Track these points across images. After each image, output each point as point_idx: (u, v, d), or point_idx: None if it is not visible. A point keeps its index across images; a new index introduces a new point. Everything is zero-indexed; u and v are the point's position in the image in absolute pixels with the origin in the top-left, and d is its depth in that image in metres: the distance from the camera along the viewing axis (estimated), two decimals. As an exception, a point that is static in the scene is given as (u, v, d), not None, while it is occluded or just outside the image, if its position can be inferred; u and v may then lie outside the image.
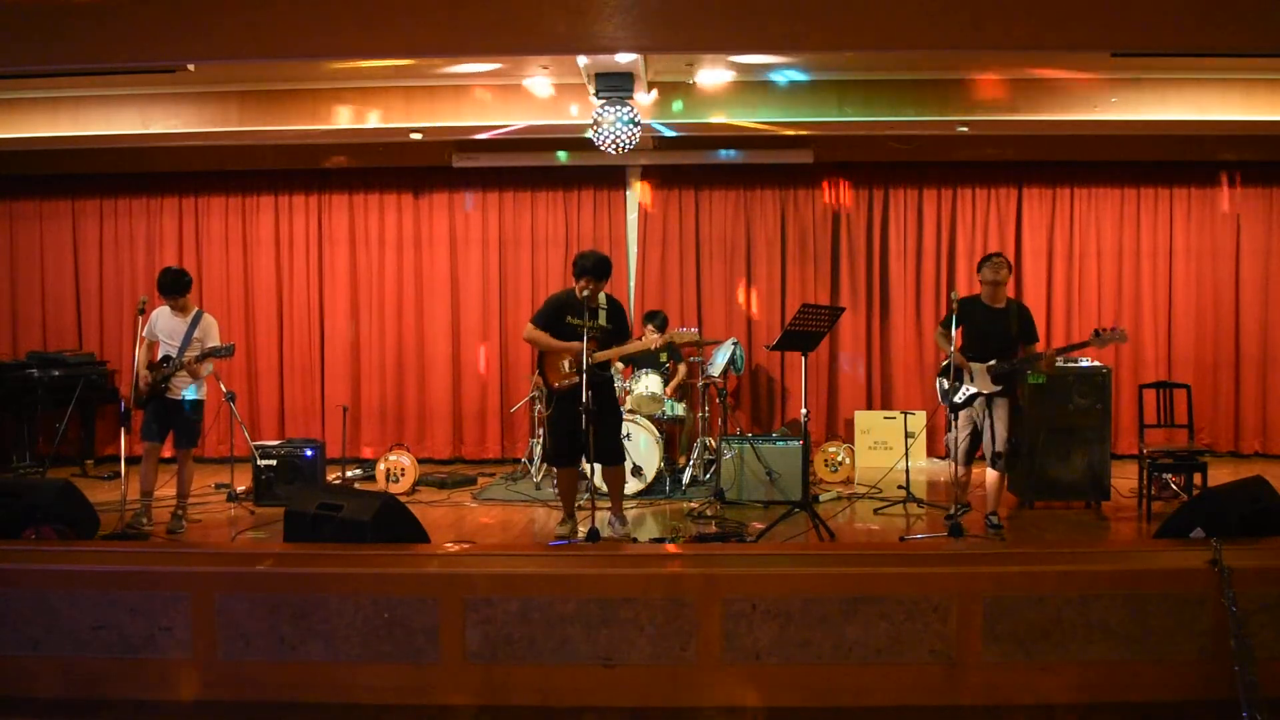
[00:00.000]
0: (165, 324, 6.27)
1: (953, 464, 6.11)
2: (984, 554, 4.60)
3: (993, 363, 5.84)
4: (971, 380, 5.86)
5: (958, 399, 5.94)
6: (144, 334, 6.28)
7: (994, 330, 5.90)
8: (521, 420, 8.90)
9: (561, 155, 8.65)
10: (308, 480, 6.97)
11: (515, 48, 5.37)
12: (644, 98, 6.89)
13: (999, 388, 5.85)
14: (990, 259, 6.02)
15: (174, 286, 6.22)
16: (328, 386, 9.11)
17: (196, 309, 6.35)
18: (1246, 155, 8.55)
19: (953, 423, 5.96)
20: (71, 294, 9.28)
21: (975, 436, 6.05)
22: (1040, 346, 6.12)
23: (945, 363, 6.12)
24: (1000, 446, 5.90)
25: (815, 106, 7.05)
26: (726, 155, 8.62)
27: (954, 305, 5.80)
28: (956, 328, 5.87)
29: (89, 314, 9.25)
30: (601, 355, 5.62)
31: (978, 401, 5.91)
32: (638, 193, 9.05)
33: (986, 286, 5.99)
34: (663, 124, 7.30)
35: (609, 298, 5.87)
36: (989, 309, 5.98)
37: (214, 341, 6.24)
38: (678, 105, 7.11)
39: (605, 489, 6.19)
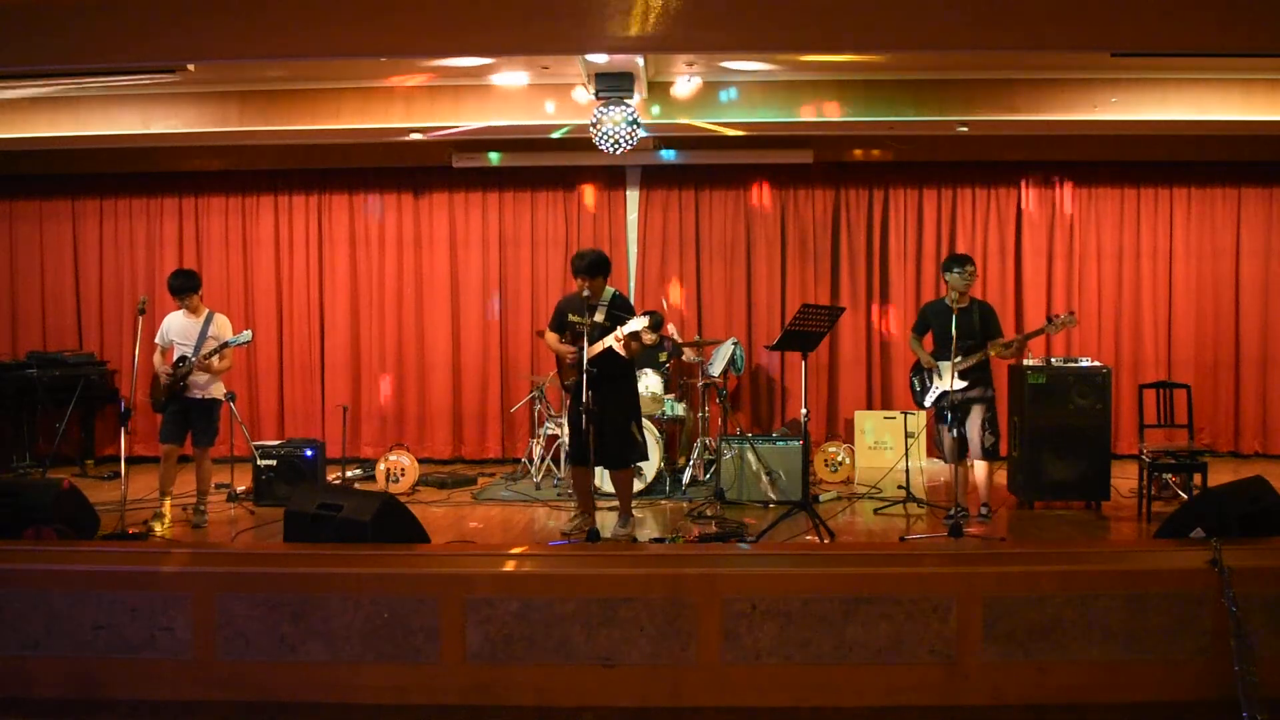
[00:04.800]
0: (178, 326, 6.34)
1: (953, 465, 6.13)
2: (984, 554, 4.60)
3: (957, 359, 5.92)
4: (940, 379, 6.00)
5: (928, 400, 6.19)
6: (157, 340, 6.38)
7: (959, 330, 5.96)
8: (521, 420, 8.90)
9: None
10: (308, 480, 6.97)
11: (516, 48, 5.37)
12: (644, 97, 6.89)
13: (965, 383, 6.03)
14: (962, 267, 6.13)
15: (185, 287, 6.30)
16: (328, 386, 9.12)
17: (208, 310, 6.42)
18: (1246, 155, 8.55)
19: (948, 422, 6.07)
20: (71, 294, 9.28)
21: (957, 434, 6.12)
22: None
23: (915, 364, 6.40)
24: (977, 439, 6.07)
25: (815, 107, 7.05)
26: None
27: (952, 306, 5.88)
28: (925, 333, 6.22)
29: (89, 314, 9.25)
30: (590, 352, 5.59)
31: (946, 399, 6.05)
32: (638, 193, 9.04)
33: (954, 289, 6.15)
34: (663, 123, 7.29)
35: (614, 294, 5.86)
36: (951, 309, 6.04)
37: (228, 336, 6.32)
38: (676, 105, 7.10)
39: (609, 489, 6.18)
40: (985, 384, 6.18)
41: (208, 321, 6.33)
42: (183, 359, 6.22)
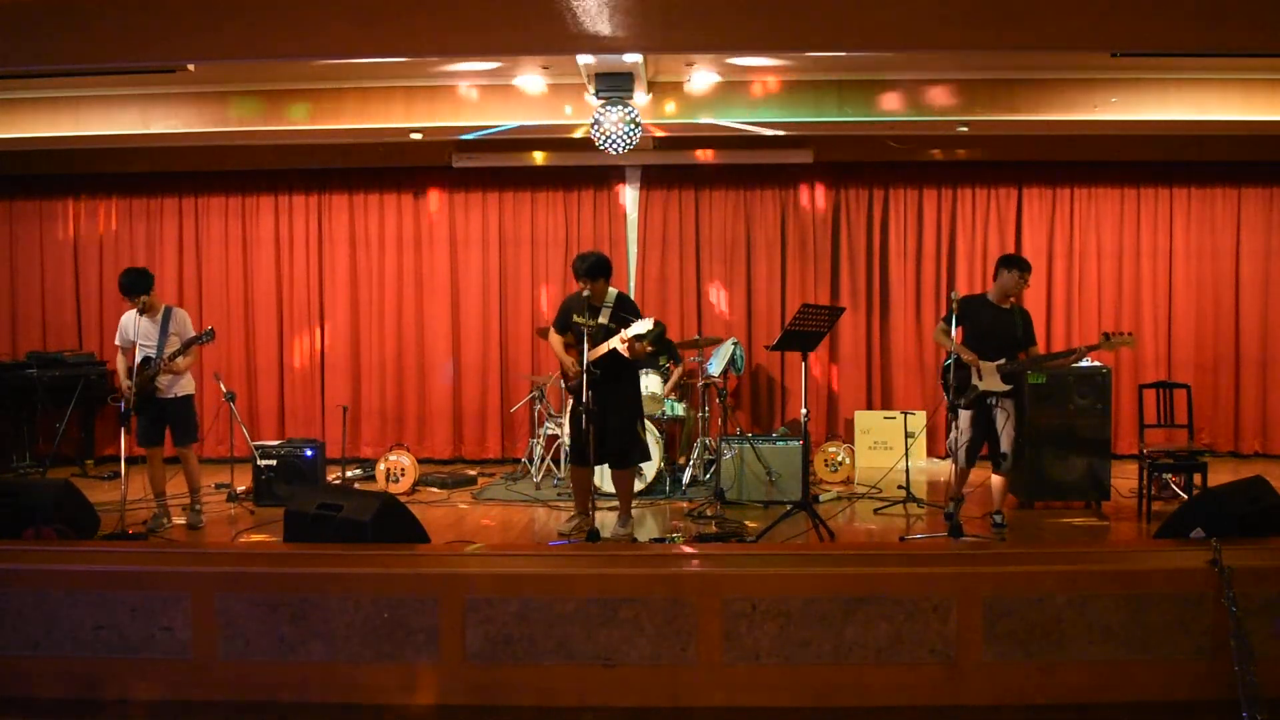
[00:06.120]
0: (135, 327, 6.15)
1: (953, 464, 6.07)
2: (984, 554, 4.60)
3: (1002, 361, 5.82)
4: (980, 379, 5.84)
5: (965, 399, 5.88)
6: (117, 341, 6.22)
7: (1000, 331, 5.88)
8: (521, 420, 8.90)
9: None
10: (308, 480, 6.97)
11: (515, 48, 5.37)
12: (643, 98, 6.90)
13: (1009, 387, 5.84)
14: (1023, 270, 5.93)
15: (135, 286, 6.07)
16: (328, 386, 9.12)
17: (165, 305, 6.26)
18: (1246, 155, 8.55)
19: (953, 422, 5.94)
20: (71, 294, 9.28)
21: (978, 436, 6.01)
22: (1040, 349, 6.15)
23: (948, 361, 6.09)
24: (1008, 447, 5.88)
25: (815, 106, 7.05)
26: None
27: (954, 304, 5.80)
28: (958, 326, 5.87)
29: (89, 314, 9.25)
30: (594, 354, 5.60)
31: (986, 401, 5.88)
32: (638, 193, 9.05)
33: (1004, 289, 5.95)
34: (662, 124, 7.29)
35: (618, 295, 5.86)
36: (995, 308, 5.96)
37: (190, 333, 6.18)
38: (676, 106, 7.10)
39: (609, 489, 6.18)
40: (1020, 391, 5.94)
41: (167, 318, 6.15)
42: (147, 360, 6.07)
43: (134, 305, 6.12)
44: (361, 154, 8.58)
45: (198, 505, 6.45)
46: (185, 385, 6.27)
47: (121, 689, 3.90)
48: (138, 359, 6.12)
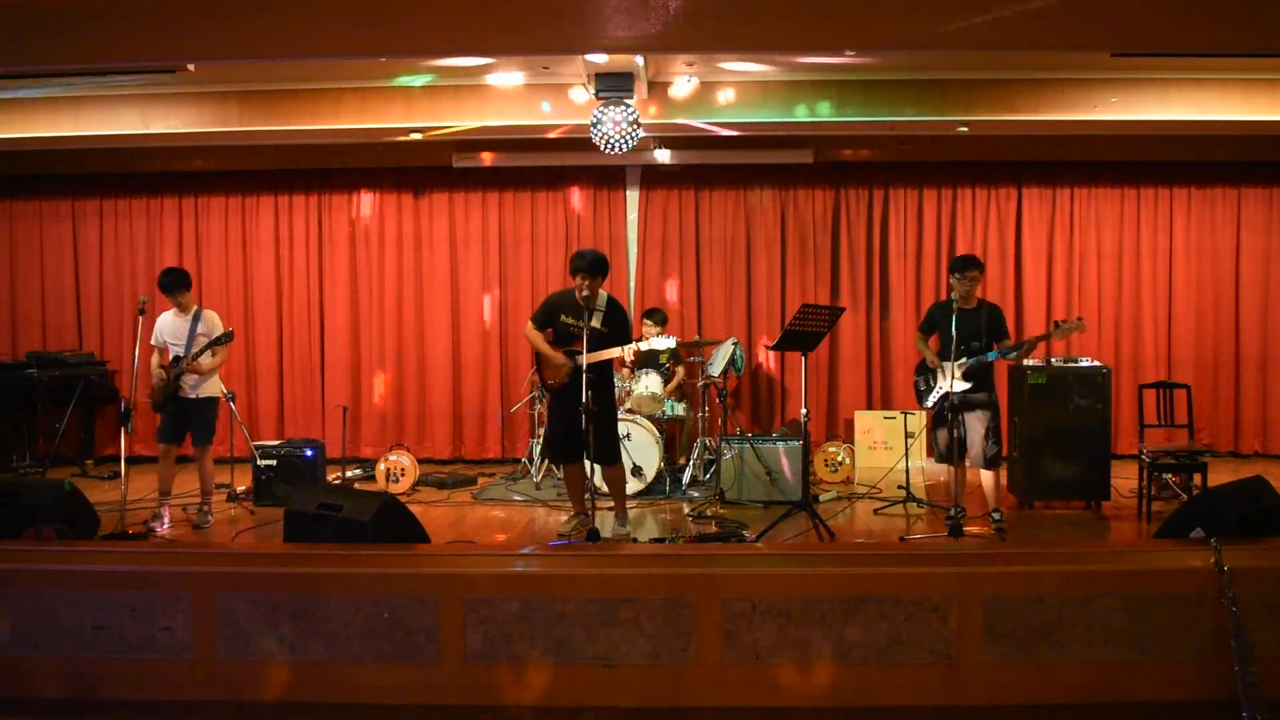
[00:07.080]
0: (169, 326, 6.34)
1: (950, 465, 6.09)
2: (984, 554, 4.61)
3: (962, 360, 5.89)
4: (943, 379, 5.94)
5: (930, 400, 6.12)
6: (153, 341, 6.37)
7: (965, 332, 5.94)
8: (521, 420, 8.90)
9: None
10: (308, 480, 6.97)
11: (515, 48, 5.37)
12: (644, 98, 6.90)
13: (969, 384, 5.92)
14: (963, 271, 6.03)
15: (175, 284, 6.28)
16: (328, 386, 9.12)
17: (196, 307, 6.40)
18: (1246, 155, 8.55)
19: (946, 423, 6.00)
20: (71, 294, 9.28)
21: (957, 436, 6.05)
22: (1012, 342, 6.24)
23: (920, 364, 6.32)
24: (979, 442, 5.97)
25: (815, 106, 7.05)
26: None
27: (955, 302, 5.86)
28: (932, 332, 6.12)
29: (89, 314, 9.25)
30: (590, 358, 5.58)
31: (954, 399, 5.93)
32: (638, 193, 9.04)
33: (962, 291, 6.07)
34: (663, 124, 7.29)
35: (610, 299, 5.84)
36: (961, 310, 6.02)
37: (217, 334, 6.29)
38: (677, 106, 7.10)
39: (606, 489, 6.20)
40: (989, 388, 6.06)
41: (196, 319, 6.30)
42: (176, 359, 6.23)
43: (170, 303, 6.28)
44: (361, 154, 8.58)
45: (206, 507, 6.48)
46: (209, 387, 6.36)
47: (121, 689, 3.90)
48: (170, 358, 6.27)
